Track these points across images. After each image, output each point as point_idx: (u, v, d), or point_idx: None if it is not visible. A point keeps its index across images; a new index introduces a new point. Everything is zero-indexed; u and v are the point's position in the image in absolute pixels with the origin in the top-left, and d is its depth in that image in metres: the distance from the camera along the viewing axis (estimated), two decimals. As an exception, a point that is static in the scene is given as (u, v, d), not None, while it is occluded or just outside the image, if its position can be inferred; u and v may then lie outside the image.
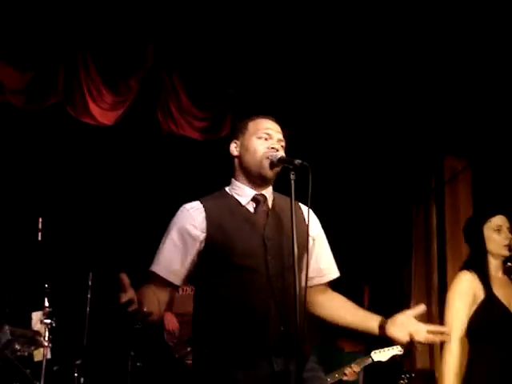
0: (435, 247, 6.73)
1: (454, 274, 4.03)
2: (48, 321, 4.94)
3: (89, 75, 5.10)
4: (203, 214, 2.74)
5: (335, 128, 6.36)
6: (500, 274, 3.91)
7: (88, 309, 5.32)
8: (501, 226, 3.88)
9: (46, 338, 4.90)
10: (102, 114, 5.16)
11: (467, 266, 3.89)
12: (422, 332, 2.74)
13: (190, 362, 5.35)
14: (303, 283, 2.68)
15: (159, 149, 6.08)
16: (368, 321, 2.86)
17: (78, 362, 5.18)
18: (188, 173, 6.23)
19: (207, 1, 5.25)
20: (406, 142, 6.62)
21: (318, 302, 2.88)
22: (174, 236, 2.75)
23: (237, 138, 2.88)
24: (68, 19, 5.02)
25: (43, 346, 4.90)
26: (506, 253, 3.85)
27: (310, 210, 2.86)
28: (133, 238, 6.29)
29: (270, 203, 2.84)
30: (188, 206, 2.80)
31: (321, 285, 2.89)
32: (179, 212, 2.81)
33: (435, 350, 6.49)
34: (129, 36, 5.28)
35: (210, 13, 5.31)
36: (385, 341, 5.80)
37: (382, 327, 2.81)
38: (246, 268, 2.67)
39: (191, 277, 2.77)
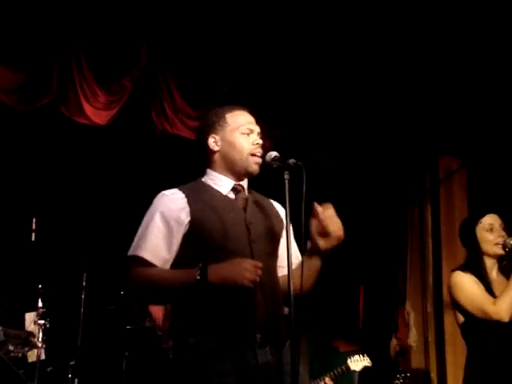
0: (430, 246, 6.72)
1: (449, 274, 4.02)
2: (42, 321, 4.93)
3: (82, 75, 5.08)
4: (184, 199, 2.73)
5: (330, 128, 6.35)
6: (494, 273, 3.90)
7: (82, 309, 5.31)
8: (492, 224, 3.88)
9: (40, 339, 4.89)
10: (96, 113, 5.13)
11: (465, 268, 3.88)
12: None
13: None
14: (276, 271, 2.77)
15: (153, 148, 6.07)
16: (304, 258, 2.76)
17: (72, 363, 5.17)
18: (182, 172, 6.20)
19: (201, 0, 5.24)
20: (401, 141, 6.61)
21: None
22: (158, 221, 2.71)
23: (215, 133, 2.86)
24: (62, 19, 4.99)
25: (37, 347, 4.89)
26: (501, 251, 3.85)
27: (277, 203, 2.92)
28: (127, 238, 6.27)
29: (246, 193, 2.87)
30: (167, 192, 2.79)
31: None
32: (159, 198, 2.79)
33: (430, 350, 6.49)
34: (123, 35, 5.26)
35: (203, 12, 5.30)
36: (376, 341, 5.81)
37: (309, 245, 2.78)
38: (231, 251, 2.65)
39: (173, 264, 2.72)
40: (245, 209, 2.80)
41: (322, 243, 2.71)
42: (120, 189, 6.31)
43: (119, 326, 5.45)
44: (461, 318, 3.85)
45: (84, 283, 5.40)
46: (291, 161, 2.66)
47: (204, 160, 2.92)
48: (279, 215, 2.90)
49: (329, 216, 2.71)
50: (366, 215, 6.82)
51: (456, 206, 6.74)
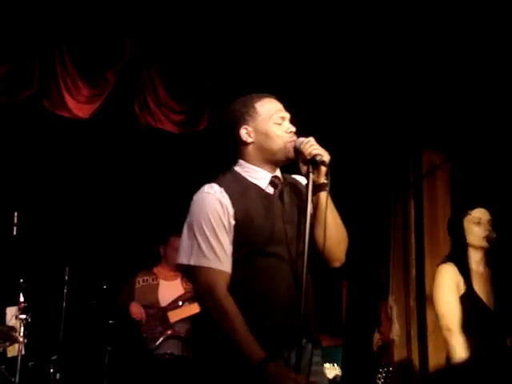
0: (413, 241, 6.72)
1: (432, 269, 4.06)
2: (23, 316, 4.90)
3: (65, 68, 5.04)
4: (228, 199, 2.63)
5: (314, 121, 6.34)
6: (481, 267, 3.94)
7: (64, 304, 5.28)
8: (480, 218, 3.92)
9: (21, 334, 4.87)
10: (78, 107, 5.10)
11: (449, 259, 3.92)
12: None
13: (159, 354, 5.37)
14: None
15: (136, 142, 6.04)
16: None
17: (53, 358, 5.15)
18: (165, 166, 6.20)
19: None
20: (384, 136, 6.62)
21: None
22: (216, 227, 2.60)
23: (246, 123, 2.78)
24: (44, 11, 4.95)
25: (18, 342, 4.86)
26: (486, 244, 3.89)
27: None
28: (110, 232, 6.25)
29: (281, 185, 2.80)
30: (211, 191, 2.66)
31: None
32: (205, 198, 2.66)
33: (413, 344, 6.51)
34: (106, 29, 5.22)
35: (187, 5, 5.27)
36: (359, 335, 5.79)
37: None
38: (272, 254, 2.62)
39: None
40: (282, 207, 2.72)
41: None
42: (103, 183, 6.28)
43: (101, 320, 5.43)
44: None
45: (66, 277, 5.37)
46: (319, 157, 2.63)
47: (233, 151, 2.83)
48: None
49: None
50: (349, 210, 6.81)
51: (439, 201, 6.75)
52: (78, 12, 5.07)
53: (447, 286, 3.84)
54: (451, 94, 6.06)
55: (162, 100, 5.47)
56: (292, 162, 2.79)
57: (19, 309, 4.92)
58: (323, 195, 2.69)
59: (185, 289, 5.68)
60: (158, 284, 5.63)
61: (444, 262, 3.95)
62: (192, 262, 2.59)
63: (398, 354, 6.49)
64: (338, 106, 6.32)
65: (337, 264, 2.86)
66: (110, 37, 5.25)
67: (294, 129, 2.80)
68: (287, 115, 2.84)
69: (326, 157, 2.66)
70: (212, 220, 2.60)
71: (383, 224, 6.92)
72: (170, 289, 5.64)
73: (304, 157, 2.67)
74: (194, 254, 2.60)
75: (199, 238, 2.60)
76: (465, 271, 3.83)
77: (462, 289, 3.80)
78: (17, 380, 4.73)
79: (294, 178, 2.88)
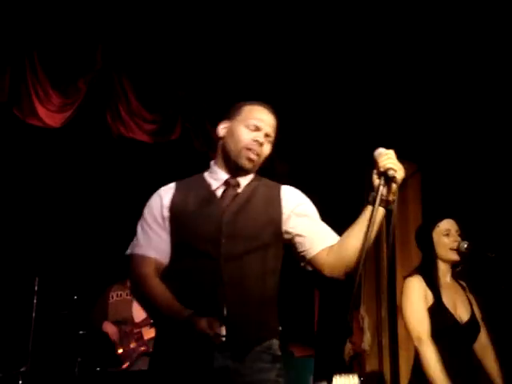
0: (384, 251, 6.75)
1: (403, 279, 4.05)
2: (-8, 327, 4.84)
3: (36, 77, 5.01)
4: (171, 194, 2.74)
5: (284, 132, 6.35)
6: (448, 278, 3.94)
7: (34, 314, 5.22)
8: (449, 229, 3.92)
9: (-10, 345, 4.81)
10: (49, 115, 5.06)
11: (417, 271, 3.91)
12: None
13: (132, 370, 5.32)
14: (260, 268, 2.64)
15: (108, 151, 6.01)
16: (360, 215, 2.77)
17: (22, 369, 5.08)
18: (137, 175, 6.16)
19: (158, 3, 5.20)
20: (355, 146, 6.64)
21: (328, 260, 2.81)
22: (148, 218, 2.74)
23: (228, 119, 2.82)
24: (16, 20, 4.91)
25: (-13, 353, 4.80)
26: (456, 257, 3.88)
27: (289, 190, 2.87)
28: (81, 241, 6.20)
29: (241, 188, 2.77)
30: (162, 188, 2.80)
31: (322, 250, 2.81)
32: (154, 195, 2.82)
33: (384, 354, 6.53)
34: (78, 38, 5.19)
35: (159, 14, 5.26)
36: (331, 345, 5.77)
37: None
38: (199, 252, 2.61)
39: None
40: (228, 206, 2.69)
41: None
42: (74, 192, 6.23)
43: (72, 331, 5.37)
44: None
45: (36, 287, 5.31)
46: (390, 172, 2.59)
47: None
48: (280, 205, 2.78)
49: None
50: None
51: (410, 210, 6.79)
52: (49, 21, 5.04)
53: (415, 297, 3.81)
54: (422, 105, 6.11)
55: (135, 109, 5.46)
56: (247, 173, 2.78)
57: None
58: (378, 211, 2.71)
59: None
60: (131, 299, 5.56)
61: (411, 274, 3.93)
62: (128, 252, 2.73)
63: (370, 363, 6.51)
64: (310, 116, 6.34)
65: (328, 274, 2.87)
66: (81, 46, 5.22)
67: (261, 140, 2.73)
68: (266, 129, 2.77)
69: (400, 174, 2.61)
70: (148, 213, 2.76)
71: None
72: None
73: (378, 168, 2.62)
74: (131, 245, 2.74)
75: (138, 230, 2.75)
76: (433, 283, 3.83)
77: (430, 301, 3.79)
78: (-16, 392, 4.66)
79: (273, 184, 2.85)
